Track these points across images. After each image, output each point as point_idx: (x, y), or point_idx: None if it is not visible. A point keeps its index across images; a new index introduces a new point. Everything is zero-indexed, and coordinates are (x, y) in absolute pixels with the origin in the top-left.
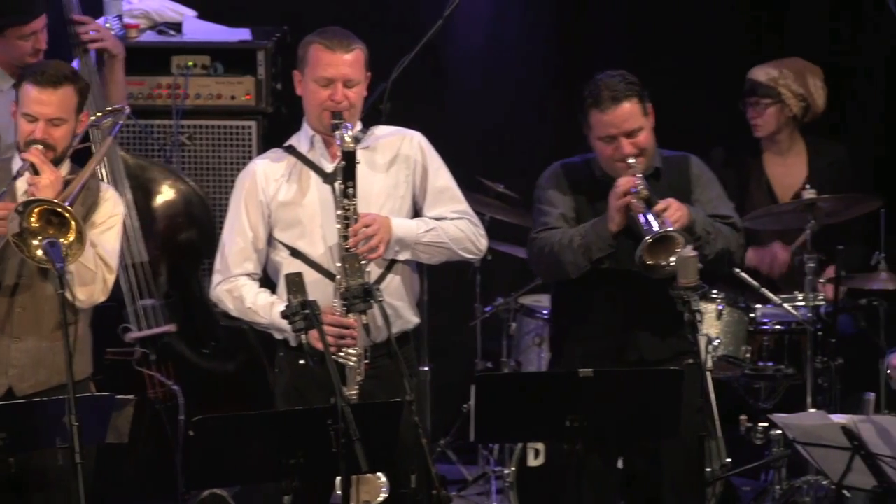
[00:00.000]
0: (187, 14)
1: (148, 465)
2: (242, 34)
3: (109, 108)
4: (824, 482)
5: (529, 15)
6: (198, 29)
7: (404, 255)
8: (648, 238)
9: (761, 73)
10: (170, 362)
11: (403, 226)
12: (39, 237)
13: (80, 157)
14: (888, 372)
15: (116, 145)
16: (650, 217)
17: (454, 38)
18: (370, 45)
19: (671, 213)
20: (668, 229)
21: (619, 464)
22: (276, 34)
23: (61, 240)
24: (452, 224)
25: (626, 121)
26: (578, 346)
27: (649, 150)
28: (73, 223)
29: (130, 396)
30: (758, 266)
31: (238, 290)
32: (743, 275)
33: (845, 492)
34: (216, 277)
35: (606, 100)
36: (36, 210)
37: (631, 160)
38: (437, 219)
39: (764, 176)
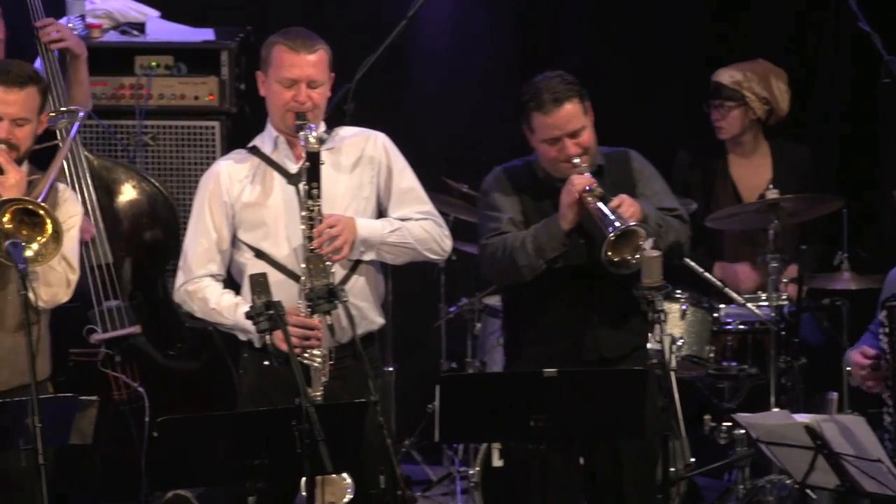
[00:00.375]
0: (150, 14)
1: (112, 467)
2: (206, 34)
3: (64, 109)
4: (788, 481)
5: (493, 15)
6: (161, 29)
7: (369, 256)
8: (612, 234)
9: (725, 76)
10: (135, 363)
11: (368, 226)
12: (13, 238)
13: (48, 156)
14: (847, 369)
15: (80, 146)
16: (609, 213)
17: (418, 38)
18: (334, 46)
19: (626, 209)
20: (631, 224)
21: (581, 461)
22: (240, 34)
23: (38, 238)
24: (417, 225)
25: (569, 122)
26: (536, 349)
27: (592, 149)
28: (48, 222)
29: (93, 397)
30: (723, 280)
31: (202, 291)
32: (707, 275)
33: (809, 491)
34: (180, 278)
35: (548, 102)
36: (9, 210)
37: (576, 160)
38: (402, 219)
39: (729, 177)
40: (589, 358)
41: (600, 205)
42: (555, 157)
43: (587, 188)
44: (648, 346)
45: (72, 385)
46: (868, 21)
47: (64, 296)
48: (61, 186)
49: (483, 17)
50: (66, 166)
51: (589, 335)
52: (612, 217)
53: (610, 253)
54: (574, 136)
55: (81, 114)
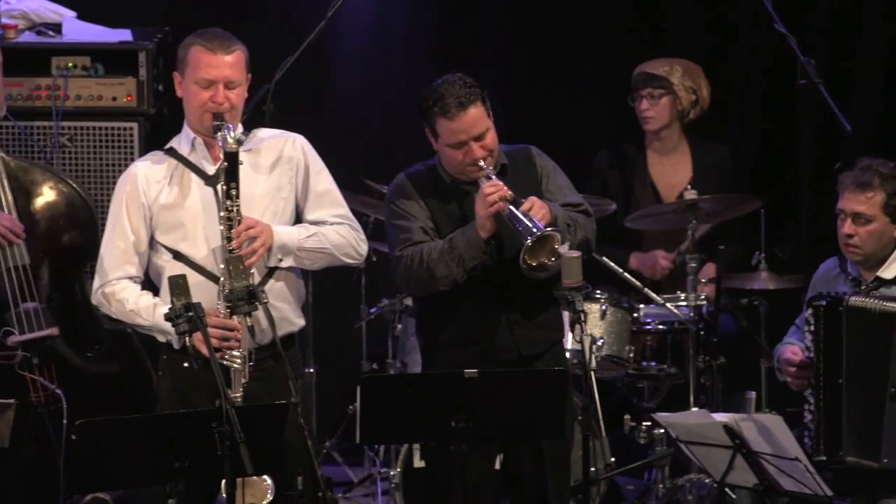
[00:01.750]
0: (67, 14)
1: (31, 470)
2: (123, 35)
3: None
4: (707, 480)
5: (413, 16)
6: (77, 30)
7: (287, 262)
8: (529, 241)
9: (652, 66)
10: (52, 366)
11: (286, 232)
12: None
13: None
14: (776, 364)
15: None
16: (522, 218)
17: (338, 39)
18: (253, 46)
19: (536, 212)
20: (547, 229)
21: (497, 464)
22: (158, 35)
23: None
24: (333, 229)
25: (475, 125)
26: (454, 351)
27: (495, 150)
28: None
29: (10, 400)
30: (640, 270)
31: (120, 293)
32: (626, 275)
33: (728, 490)
34: (97, 281)
35: (454, 107)
36: None
37: (481, 162)
38: (317, 223)
39: (648, 176)
40: (508, 358)
41: (513, 209)
42: (461, 161)
43: (502, 197)
44: (568, 346)
45: None
46: (784, 23)
47: None
48: None
49: (403, 17)
50: None
51: (506, 335)
52: (527, 223)
53: (528, 259)
54: (479, 139)
55: None
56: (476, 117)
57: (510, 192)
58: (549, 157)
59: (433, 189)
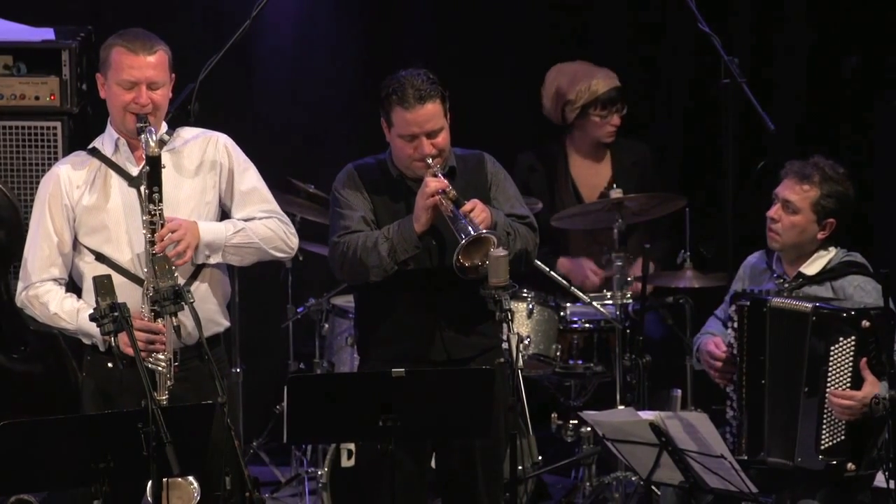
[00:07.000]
0: None
1: None
2: (45, 34)
3: None
4: (633, 478)
5: (338, 15)
6: None
7: (215, 259)
8: (465, 240)
9: (611, 80)
10: None
11: (211, 229)
12: None
13: None
14: (696, 354)
15: None
16: (461, 218)
17: (263, 37)
18: (178, 45)
19: (476, 214)
20: (483, 231)
21: (432, 463)
22: (81, 34)
23: None
24: (261, 224)
25: (430, 121)
26: (387, 348)
27: (446, 151)
28: None
29: None
30: (568, 276)
31: (43, 296)
32: (553, 274)
33: (654, 487)
34: (21, 283)
35: (412, 98)
36: None
37: (430, 160)
38: (246, 219)
39: (569, 177)
40: (437, 358)
41: (454, 209)
42: (410, 155)
43: (442, 191)
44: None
45: None
46: (707, 22)
47: None
48: None
49: (327, 16)
50: None
51: (437, 336)
52: (465, 222)
53: (461, 258)
54: (432, 135)
55: None
56: (432, 113)
57: (453, 191)
58: (501, 166)
59: (379, 182)
